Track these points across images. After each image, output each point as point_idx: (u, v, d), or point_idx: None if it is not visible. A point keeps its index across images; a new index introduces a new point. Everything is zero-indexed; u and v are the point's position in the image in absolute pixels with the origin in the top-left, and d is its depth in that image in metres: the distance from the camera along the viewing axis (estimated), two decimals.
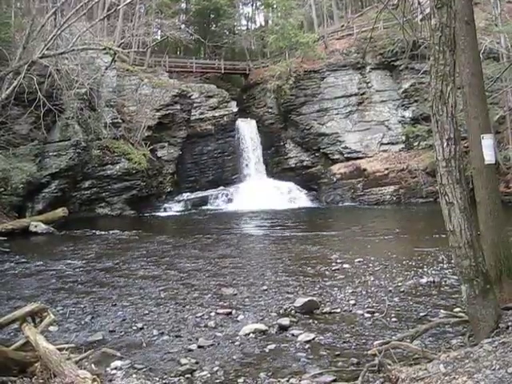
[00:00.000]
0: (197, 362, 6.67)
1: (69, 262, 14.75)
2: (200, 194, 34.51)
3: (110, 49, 23.49)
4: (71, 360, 5.71)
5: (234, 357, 6.87)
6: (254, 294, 10.21)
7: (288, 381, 5.88)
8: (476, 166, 7.05)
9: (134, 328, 8.30)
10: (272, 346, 7.16)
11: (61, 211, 24.19)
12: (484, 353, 4.86)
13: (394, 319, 8.12)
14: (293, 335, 7.59)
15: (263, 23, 54.77)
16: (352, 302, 9.28)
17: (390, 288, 10.18)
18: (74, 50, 21.39)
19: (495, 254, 6.84)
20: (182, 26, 42.74)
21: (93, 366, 6.20)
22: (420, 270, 11.69)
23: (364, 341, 7.20)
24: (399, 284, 10.46)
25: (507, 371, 4.28)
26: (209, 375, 6.25)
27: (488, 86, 13.23)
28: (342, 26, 40.53)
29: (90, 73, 25.84)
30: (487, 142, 6.98)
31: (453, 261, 6.23)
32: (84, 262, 14.74)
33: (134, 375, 6.28)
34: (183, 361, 6.71)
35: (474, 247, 5.67)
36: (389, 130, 34.90)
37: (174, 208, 32.03)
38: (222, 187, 35.18)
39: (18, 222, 22.47)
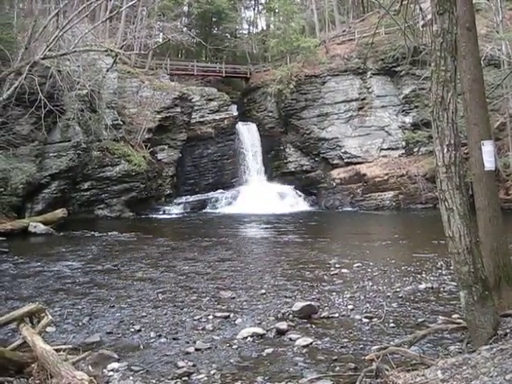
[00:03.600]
0: (194, 365, 6.65)
1: (67, 263, 14.74)
2: (199, 196, 34.52)
3: (111, 51, 23.53)
4: (68, 361, 5.69)
5: (232, 360, 6.85)
6: (252, 298, 10.20)
7: None
8: (476, 172, 7.05)
9: (132, 330, 8.29)
10: (269, 350, 7.14)
11: (60, 212, 24.15)
12: (482, 359, 4.85)
13: (391, 325, 8.10)
14: (290, 339, 7.56)
15: (265, 27, 54.91)
16: (350, 306, 9.26)
17: (389, 293, 10.16)
18: (76, 51, 21.43)
19: (494, 260, 6.84)
20: (184, 29, 42.73)
21: (90, 367, 6.20)
22: (418, 276, 11.69)
23: (362, 346, 7.18)
24: (397, 289, 10.44)
25: (505, 378, 4.27)
26: (206, 378, 6.23)
27: (489, 93, 13.26)
28: (344, 31, 40.59)
29: (92, 74, 25.81)
30: (487, 149, 6.98)
31: (451, 267, 6.23)
32: (82, 263, 14.73)
33: (131, 377, 6.28)
34: (180, 363, 6.70)
35: (473, 253, 5.66)
36: (389, 135, 34.91)
37: (173, 210, 32.00)
38: (221, 190, 35.20)
39: (17, 222, 22.44)
